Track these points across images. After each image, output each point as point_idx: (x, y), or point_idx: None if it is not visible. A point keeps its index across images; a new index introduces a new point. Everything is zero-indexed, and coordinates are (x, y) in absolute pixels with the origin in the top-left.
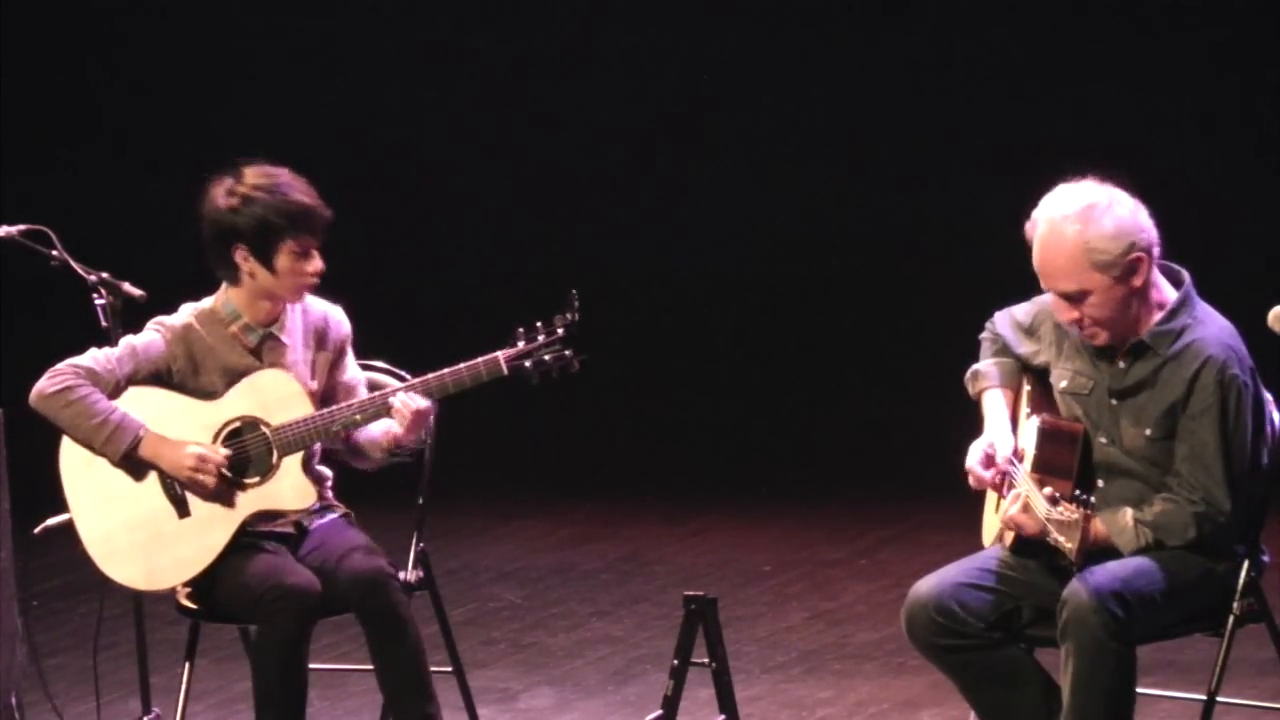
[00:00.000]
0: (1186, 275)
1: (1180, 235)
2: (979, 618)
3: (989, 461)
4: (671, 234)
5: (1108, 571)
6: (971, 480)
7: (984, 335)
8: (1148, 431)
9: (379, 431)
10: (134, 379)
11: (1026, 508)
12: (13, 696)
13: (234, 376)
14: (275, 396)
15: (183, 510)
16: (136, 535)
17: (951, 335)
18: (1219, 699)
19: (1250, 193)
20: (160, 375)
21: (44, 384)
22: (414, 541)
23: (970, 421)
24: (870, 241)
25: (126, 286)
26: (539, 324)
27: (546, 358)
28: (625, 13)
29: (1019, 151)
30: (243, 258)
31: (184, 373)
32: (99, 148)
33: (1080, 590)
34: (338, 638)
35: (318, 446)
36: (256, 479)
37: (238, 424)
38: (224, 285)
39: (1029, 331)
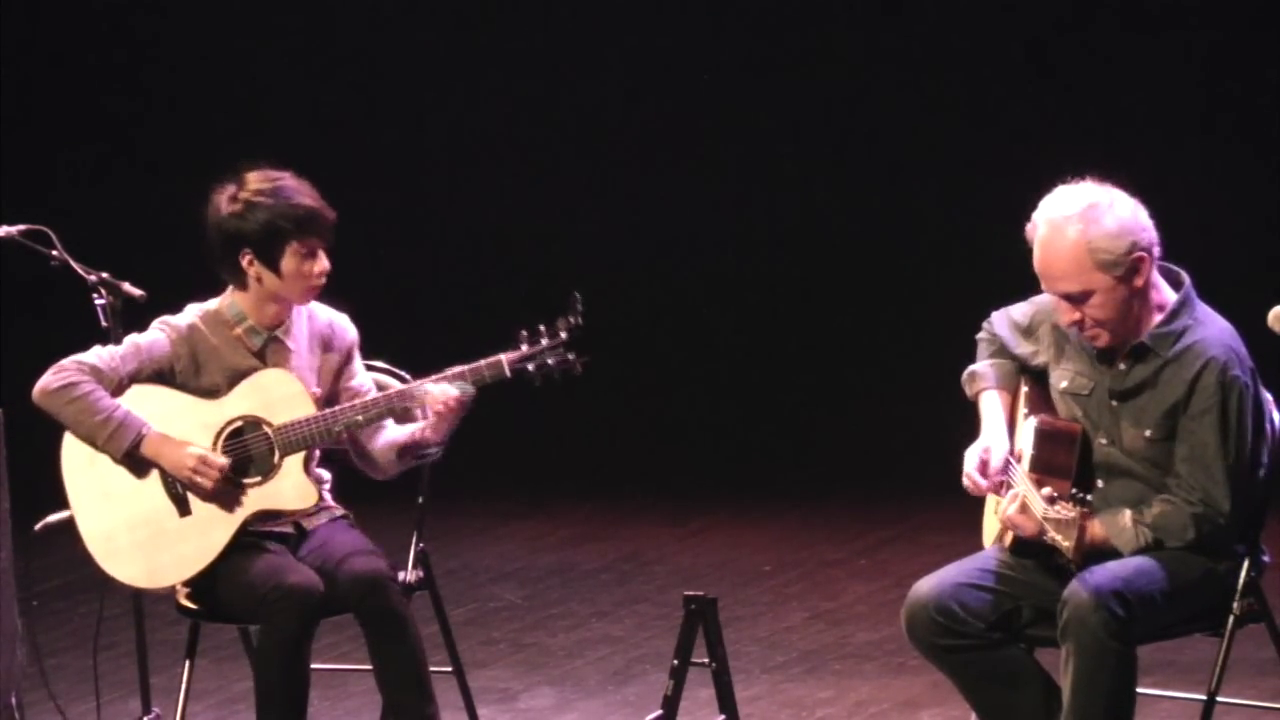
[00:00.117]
0: (1186, 276)
1: (1180, 235)
2: (979, 618)
3: (985, 469)
4: (672, 234)
5: (1108, 571)
6: (968, 485)
7: (981, 336)
8: (1147, 432)
9: (402, 435)
10: (137, 377)
11: (1024, 508)
12: (13, 696)
13: (237, 378)
14: (278, 396)
15: (184, 509)
16: (137, 534)
17: (952, 335)
18: (1219, 699)
19: (1250, 193)
20: (163, 374)
21: (48, 380)
22: (414, 541)
23: (970, 421)
24: (870, 241)
25: (126, 286)
26: (542, 326)
27: (549, 360)
28: (626, 13)
29: (1019, 151)
30: (249, 262)
31: (187, 373)
32: (98, 147)
33: (1081, 590)
34: (338, 638)
35: (318, 450)
36: (258, 479)
37: (240, 423)
38: (230, 288)
39: (1027, 332)
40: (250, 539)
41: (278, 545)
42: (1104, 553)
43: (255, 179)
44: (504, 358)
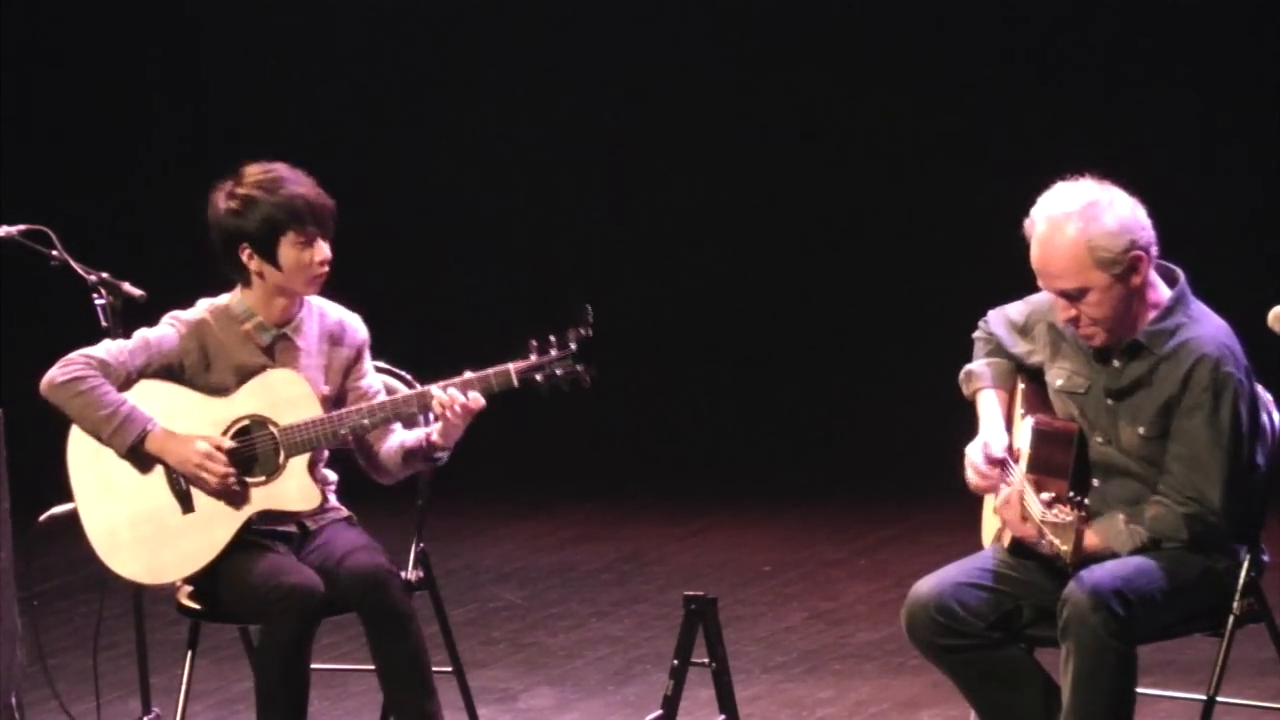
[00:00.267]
0: (1181, 274)
1: (1180, 235)
2: (979, 617)
3: (990, 464)
4: (672, 234)
5: (1108, 570)
6: (973, 479)
7: (977, 335)
8: (1142, 430)
9: (411, 439)
10: (145, 372)
11: (1024, 516)
12: (13, 696)
13: (245, 375)
14: (285, 396)
15: (187, 506)
16: (141, 529)
17: (952, 335)
18: (1219, 699)
19: (1250, 192)
20: (172, 370)
21: (55, 373)
22: (414, 541)
23: (970, 421)
24: (871, 241)
25: (126, 286)
26: (552, 337)
27: (558, 371)
28: (627, 13)
29: (1020, 151)
30: (249, 257)
31: (195, 368)
32: (99, 147)
33: (1080, 589)
34: (338, 638)
35: (325, 451)
36: (262, 478)
37: (246, 422)
38: (239, 285)
39: (1023, 331)
40: (253, 538)
41: (280, 545)
42: (1101, 559)
43: (251, 173)
44: (512, 367)
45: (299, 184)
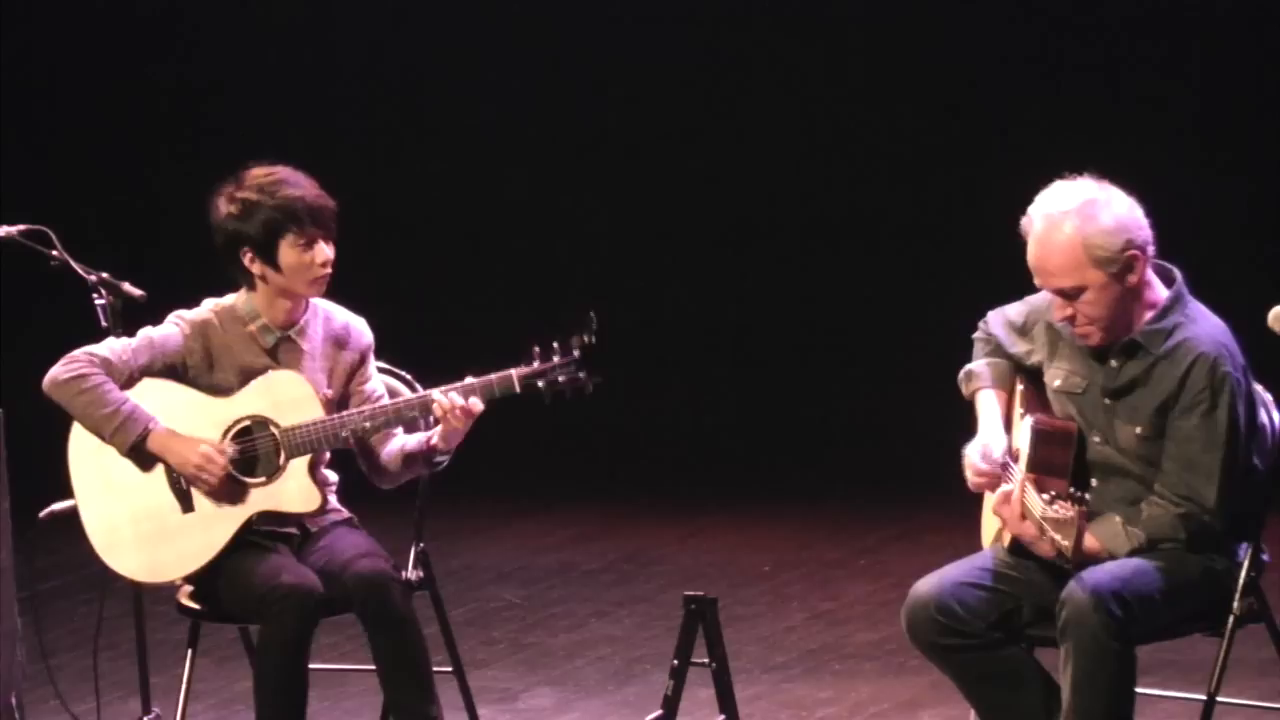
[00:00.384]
0: (1178, 274)
1: (1179, 234)
2: (979, 617)
3: (990, 464)
4: (673, 234)
5: (1107, 571)
6: (973, 479)
7: (977, 335)
8: (1139, 430)
9: (412, 442)
10: (149, 370)
11: (1024, 515)
12: (13, 696)
13: (248, 376)
14: (287, 398)
15: (187, 505)
16: (141, 527)
17: (953, 335)
18: (1219, 699)
19: (1249, 192)
20: (175, 369)
21: (58, 370)
22: (414, 541)
23: (971, 421)
24: (871, 241)
25: (126, 286)
26: (555, 343)
27: (560, 378)
28: (627, 14)
29: (1021, 151)
30: (250, 260)
31: (199, 368)
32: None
33: (1079, 590)
34: (338, 638)
35: (326, 453)
36: (262, 479)
37: (248, 422)
38: (244, 287)
39: (1022, 331)
40: (253, 538)
41: (280, 545)
42: (1100, 562)
43: (251, 176)
44: (514, 373)
45: (299, 186)
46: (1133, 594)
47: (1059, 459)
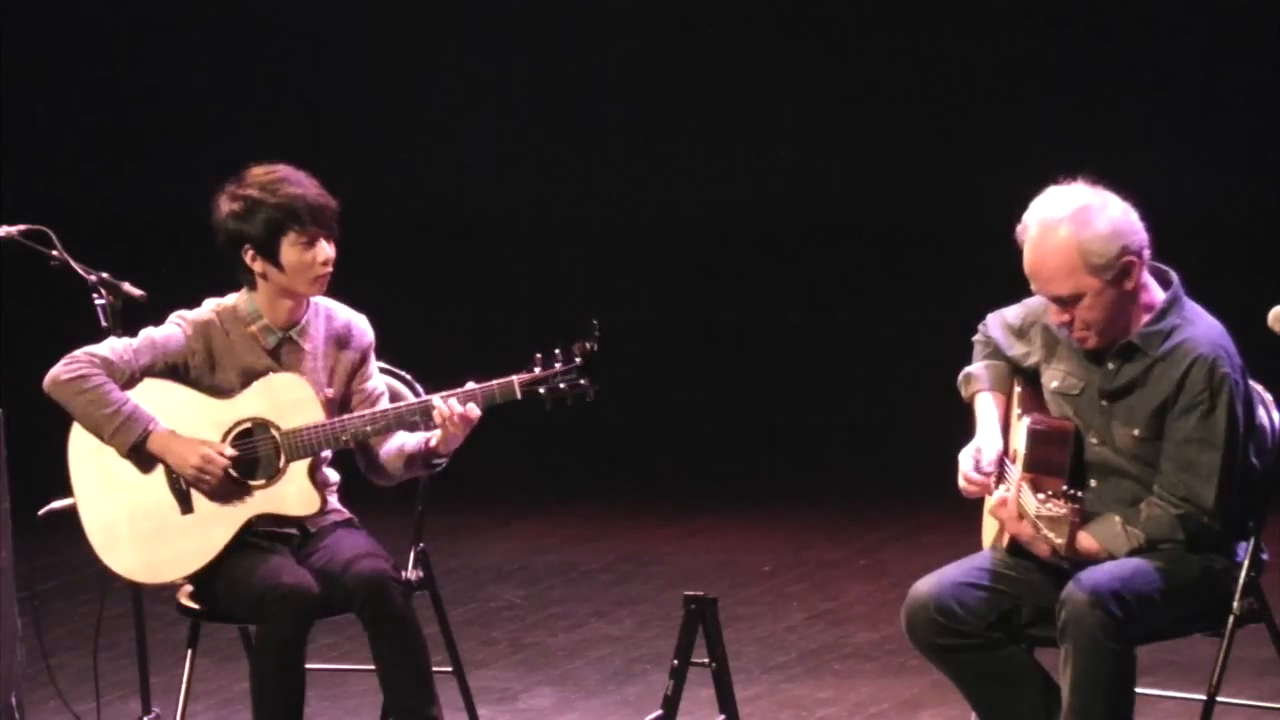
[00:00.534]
0: (1175, 275)
1: (1179, 234)
2: (979, 617)
3: (977, 468)
4: (673, 234)
5: (1106, 571)
6: (963, 486)
7: (976, 338)
8: (1136, 431)
9: (412, 443)
10: (151, 371)
11: (1020, 515)
12: (13, 696)
13: (250, 376)
14: (288, 400)
15: (186, 506)
16: (140, 526)
17: (953, 335)
18: (1219, 699)
19: (1248, 192)
20: (177, 369)
21: (59, 370)
22: (414, 541)
23: (970, 423)
24: (871, 241)
25: (126, 286)
26: (557, 350)
27: (561, 385)
28: (628, 15)
29: (1021, 150)
30: (252, 258)
31: (201, 368)
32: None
33: (1078, 590)
34: (338, 638)
35: (327, 452)
36: (262, 481)
37: (248, 424)
38: (245, 287)
39: (1020, 334)
40: (252, 539)
41: (280, 546)
42: (1099, 562)
43: (253, 175)
44: (516, 379)
45: (300, 184)
46: (1132, 594)
47: (1056, 458)
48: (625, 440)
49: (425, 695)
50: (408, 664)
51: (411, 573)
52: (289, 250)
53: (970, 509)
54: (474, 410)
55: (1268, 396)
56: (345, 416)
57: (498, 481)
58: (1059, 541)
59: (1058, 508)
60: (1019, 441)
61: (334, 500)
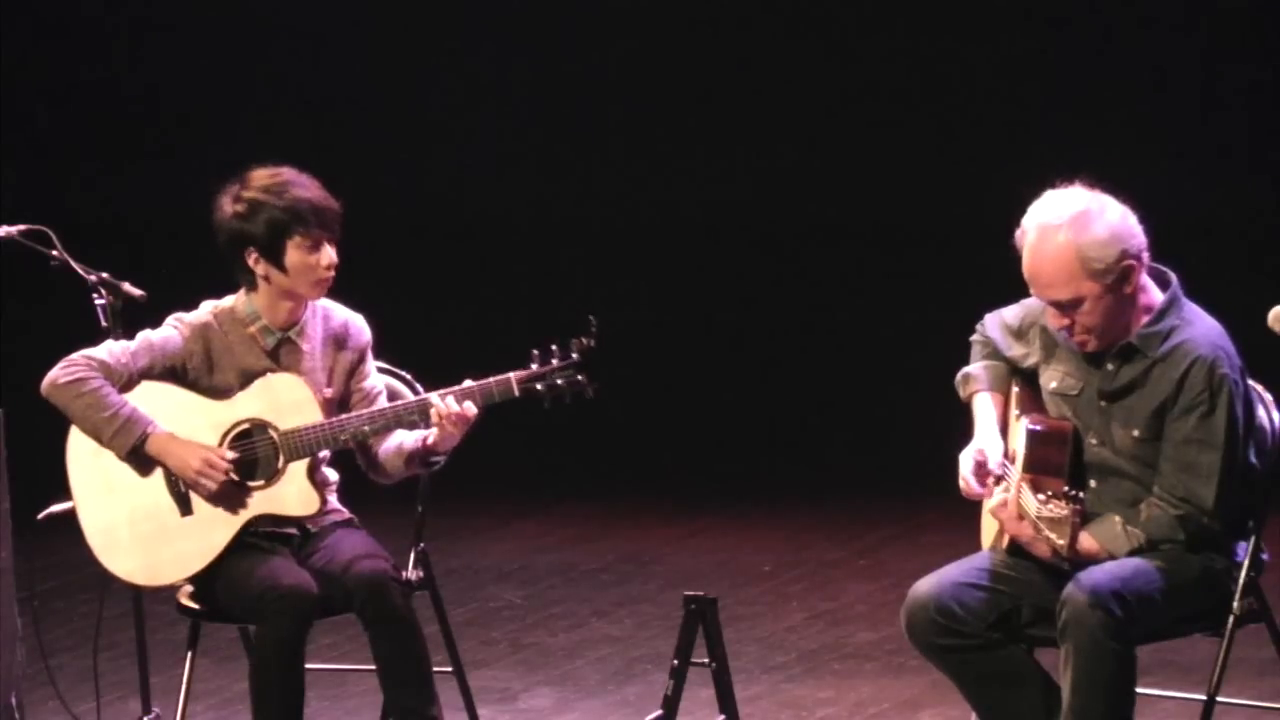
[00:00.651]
0: (1174, 276)
1: (1178, 234)
2: (979, 618)
3: (981, 470)
4: (673, 234)
5: (1106, 571)
6: (963, 488)
7: (974, 338)
8: (1136, 432)
9: (410, 441)
10: (149, 373)
11: (1020, 516)
12: (13, 696)
13: (248, 377)
14: (287, 401)
15: (185, 508)
16: (139, 529)
17: (953, 335)
18: (1219, 699)
19: (1248, 193)
20: (175, 371)
21: (57, 373)
22: (414, 541)
23: (969, 423)
24: (871, 241)
25: (126, 286)
26: (554, 346)
27: (559, 381)
28: (628, 15)
29: (1021, 150)
30: (255, 261)
31: (199, 370)
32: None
33: (1079, 590)
34: (338, 638)
35: (325, 452)
36: (261, 482)
37: (247, 425)
38: (244, 288)
39: (1018, 334)
40: (252, 540)
41: (280, 547)
42: (1100, 563)
43: (256, 177)
44: (513, 377)
45: (304, 187)
46: (1132, 594)
47: (1055, 459)
48: (625, 440)
49: (425, 695)
50: (408, 664)
51: (411, 573)
52: (293, 253)
53: (970, 509)
54: (471, 409)
55: (1268, 396)
56: (343, 416)
57: (498, 481)
58: (1060, 543)
59: (1059, 509)
60: (1018, 442)
61: (333, 500)
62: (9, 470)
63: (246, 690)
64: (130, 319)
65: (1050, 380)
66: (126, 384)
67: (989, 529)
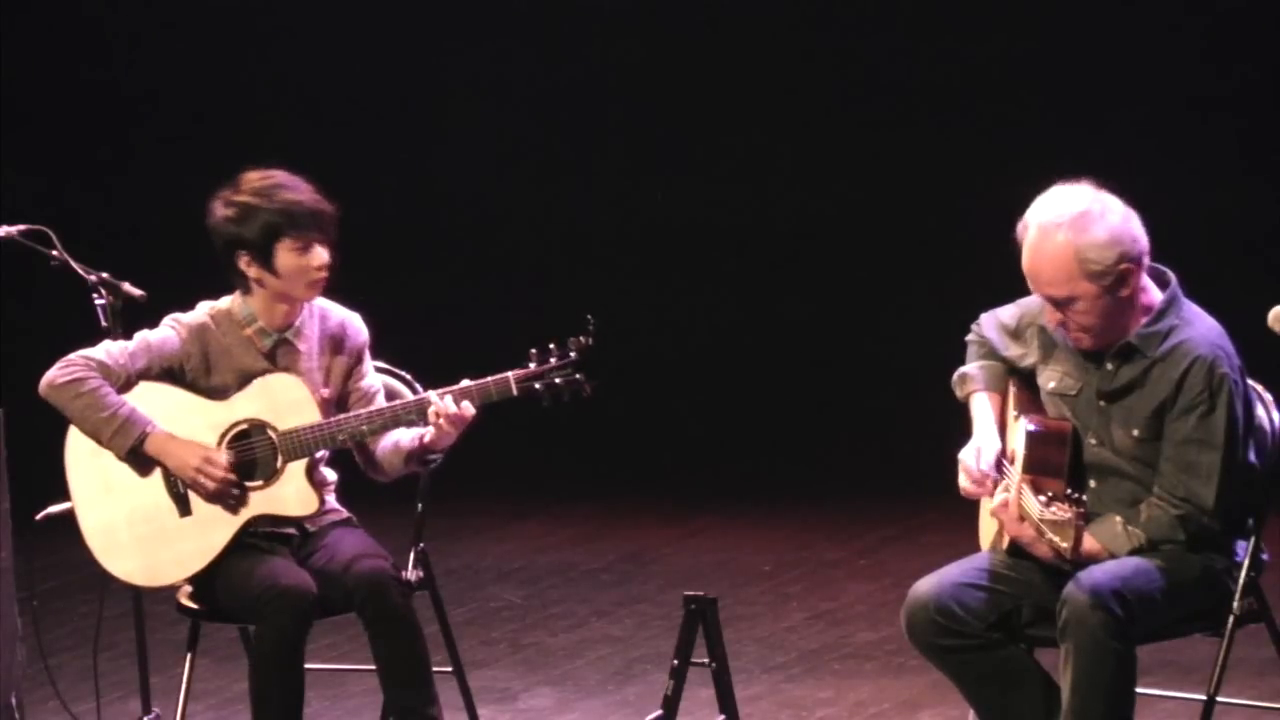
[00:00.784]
0: (1173, 276)
1: (1178, 234)
2: (979, 618)
3: (980, 476)
4: (672, 234)
5: (1107, 571)
6: (964, 481)
7: (970, 338)
8: (1135, 432)
9: (407, 440)
10: (147, 374)
11: (1022, 517)
12: (13, 696)
13: (246, 378)
14: (285, 401)
15: (184, 509)
16: (138, 530)
17: (952, 335)
18: (1219, 699)
19: (1248, 192)
20: (173, 372)
21: (55, 374)
22: (414, 541)
23: (968, 423)
24: (870, 242)
25: (126, 286)
26: (552, 345)
27: (558, 380)
28: (628, 15)
29: (1021, 150)
30: (247, 264)
31: (197, 371)
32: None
33: (1079, 590)
34: (338, 638)
35: (324, 452)
36: (260, 482)
37: (245, 426)
38: (239, 289)
39: (1015, 334)
40: (251, 540)
41: (279, 547)
42: (1100, 562)
43: (248, 180)
44: (511, 376)
45: (296, 190)
46: (1133, 593)
47: (1055, 459)
48: (625, 440)
49: (425, 695)
50: (408, 664)
51: (411, 573)
52: (284, 255)
53: (970, 509)
54: (468, 409)
55: (1268, 396)
56: (342, 416)
57: (498, 481)
58: (1064, 546)
59: (1062, 512)
60: (1017, 442)
61: (332, 499)
62: (9, 470)
63: (246, 690)
64: (130, 319)
65: (1049, 380)
66: (125, 384)
67: (988, 530)
